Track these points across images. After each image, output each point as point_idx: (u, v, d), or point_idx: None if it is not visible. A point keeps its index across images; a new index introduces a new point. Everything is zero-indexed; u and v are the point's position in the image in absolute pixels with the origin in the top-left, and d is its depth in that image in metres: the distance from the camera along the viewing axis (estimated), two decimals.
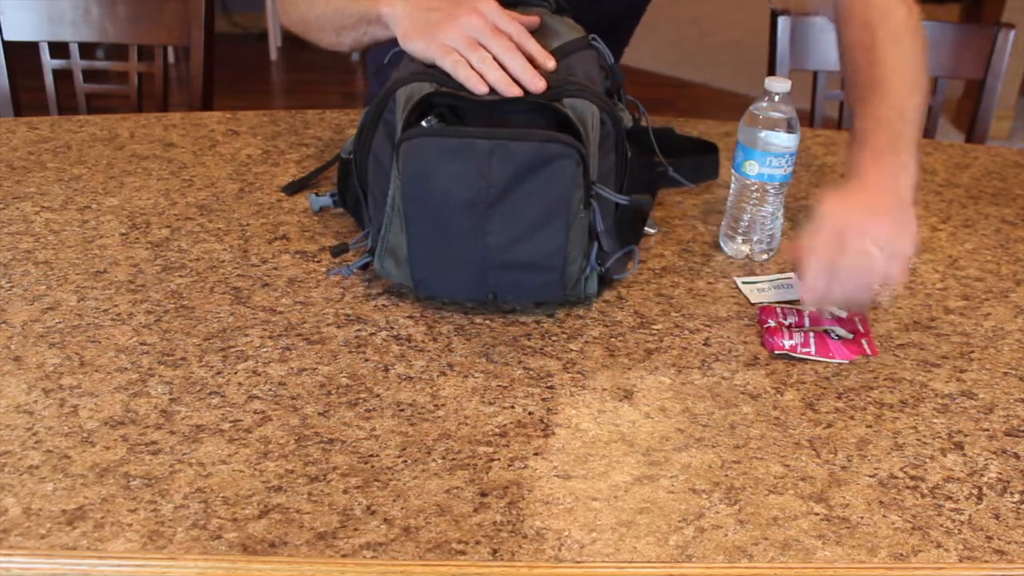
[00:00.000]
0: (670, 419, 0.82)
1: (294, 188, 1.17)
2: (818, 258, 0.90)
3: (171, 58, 1.80)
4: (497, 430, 0.80)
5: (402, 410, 0.82)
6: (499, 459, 0.77)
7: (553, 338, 0.92)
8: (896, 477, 0.77)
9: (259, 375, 0.85)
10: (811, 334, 0.92)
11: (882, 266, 0.89)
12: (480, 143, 0.86)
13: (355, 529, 0.70)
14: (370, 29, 1.03)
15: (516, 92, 0.89)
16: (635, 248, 1.01)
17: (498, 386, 0.85)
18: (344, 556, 0.68)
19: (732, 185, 1.07)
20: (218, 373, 0.85)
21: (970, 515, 0.74)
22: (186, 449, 0.76)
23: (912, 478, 0.77)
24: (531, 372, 0.87)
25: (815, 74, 1.67)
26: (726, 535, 0.71)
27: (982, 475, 0.78)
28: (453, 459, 0.77)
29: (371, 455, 0.77)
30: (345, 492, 0.73)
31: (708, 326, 0.95)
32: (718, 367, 0.89)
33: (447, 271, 0.91)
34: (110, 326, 0.91)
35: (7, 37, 1.56)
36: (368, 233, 0.97)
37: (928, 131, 1.68)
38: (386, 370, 0.87)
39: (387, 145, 0.93)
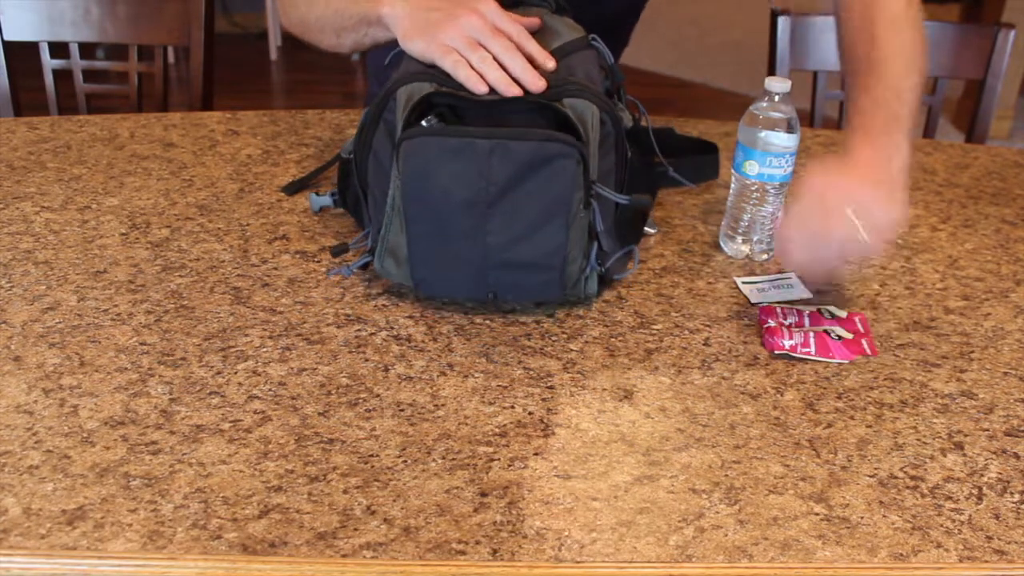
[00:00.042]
0: (670, 419, 0.82)
1: (294, 188, 1.17)
2: (799, 220, 0.89)
3: (171, 58, 1.80)
4: (497, 430, 0.80)
5: (402, 410, 0.82)
6: (499, 459, 0.77)
7: (553, 338, 0.92)
8: (896, 477, 0.77)
9: (259, 375, 0.85)
10: (811, 334, 0.92)
11: (862, 237, 0.88)
12: (480, 143, 0.86)
13: (355, 529, 0.70)
14: (370, 30, 1.02)
15: (516, 92, 0.89)
16: (635, 248, 1.01)
17: (498, 386, 0.85)
18: (344, 556, 0.68)
19: (732, 185, 1.07)
20: (218, 373, 0.85)
21: (970, 515, 0.74)
22: (186, 449, 0.76)
23: (912, 478, 0.77)
24: (531, 372, 0.87)
25: (815, 74, 1.67)
26: (726, 535, 0.71)
27: (982, 475, 0.78)
28: (453, 459, 0.77)
29: (371, 455, 0.77)
30: (345, 492, 0.73)
31: (708, 326, 0.95)
32: (718, 367, 0.89)
33: (447, 271, 0.91)
34: (110, 326, 0.91)
35: (7, 37, 1.56)
36: (368, 233, 0.97)
37: (928, 131, 1.68)
38: (386, 370, 0.87)
39: (387, 145, 0.93)
